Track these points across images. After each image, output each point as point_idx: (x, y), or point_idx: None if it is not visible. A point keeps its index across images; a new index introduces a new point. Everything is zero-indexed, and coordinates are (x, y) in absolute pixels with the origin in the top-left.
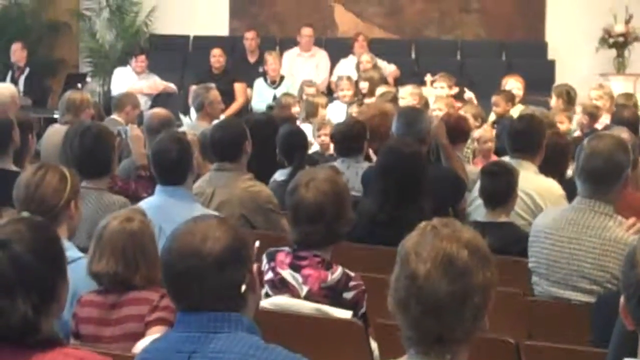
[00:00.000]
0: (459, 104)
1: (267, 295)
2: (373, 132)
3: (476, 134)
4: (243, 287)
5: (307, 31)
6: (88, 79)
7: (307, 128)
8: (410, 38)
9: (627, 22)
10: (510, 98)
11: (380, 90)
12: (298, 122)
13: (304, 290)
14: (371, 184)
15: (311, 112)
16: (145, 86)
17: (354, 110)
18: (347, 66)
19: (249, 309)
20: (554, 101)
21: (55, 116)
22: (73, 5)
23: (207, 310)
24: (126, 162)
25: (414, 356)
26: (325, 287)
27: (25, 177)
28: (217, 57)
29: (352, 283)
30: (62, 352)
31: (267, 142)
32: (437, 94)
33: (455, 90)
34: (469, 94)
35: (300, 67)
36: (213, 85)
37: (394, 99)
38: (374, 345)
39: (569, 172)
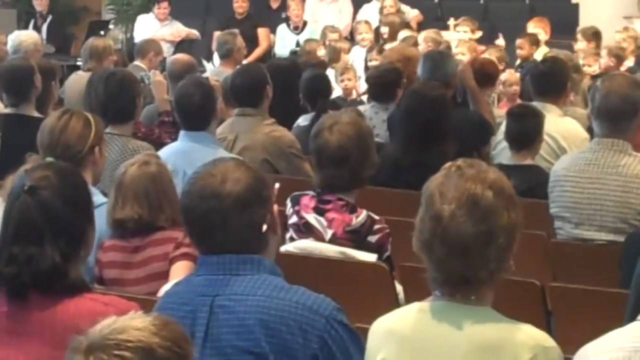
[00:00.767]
0: (482, 48)
1: (292, 239)
2: None
3: (502, 77)
4: (264, 227)
5: None
6: (111, 26)
7: (330, 73)
8: None
9: None
10: (535, 41)
11: (402, 34)
12: None
13: (329, 233)
14: (395, 128)
15: (334, 58)
16: (168, 33)
17: (373, 55)
18: (370, 11)
19: (271, 250)
20: (580, 44)
21: (79, 63)
22: None
23: (230, 252)
24: (149, 108)
25: (439, 297)
26: (349, 230)
27: (50, 123)
28: (239, 2)
29: (376, 226)
30: (89, 297)
31: (290, 87)
32: (459, 38)
33: (479, 34)
34: (500, 41)
35: (323, 13)
36: (237, 31)
37: (417, 44)
38: (399, 287)
39: None
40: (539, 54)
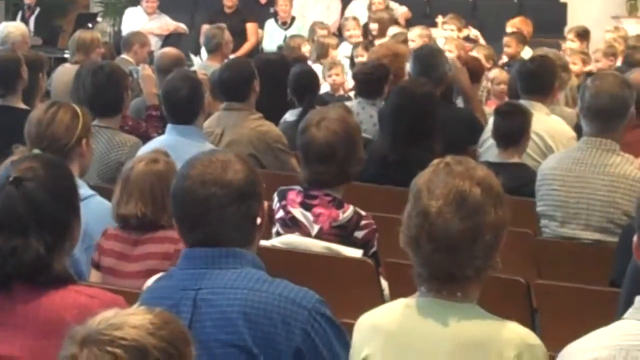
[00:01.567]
0: (469, 45)
1: (278, 234)
2: None
3: (491, 74)
4: (258, 220)
5: None
6: (99, 19)
7: (317, 69)
8: None
9: None
10: (522, 39)
11: (392, 31)
12: (309, 63)
13: (315, 228)
14: (383, 124)
15: (322, 53)
16: (156, 27)
17: (359, 51)
18: (358, 8)
19: (254, 246)
20: (570, 43)
21: (66, 56)
22: None
23: (222, 241)
24: (137, 101)
25: (425, 294)
26: (336, 225)
27: (37, 115)
28: None
29: (363, 222)
30: (74, 290)
31: (278, 82)
32: (446, 36)
33: (466, 32)
34: (474, 32)
35: (312, 9)
36: (224, 25)
37: (406, 41)
38: (384, 284)
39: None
40: (525, 53)
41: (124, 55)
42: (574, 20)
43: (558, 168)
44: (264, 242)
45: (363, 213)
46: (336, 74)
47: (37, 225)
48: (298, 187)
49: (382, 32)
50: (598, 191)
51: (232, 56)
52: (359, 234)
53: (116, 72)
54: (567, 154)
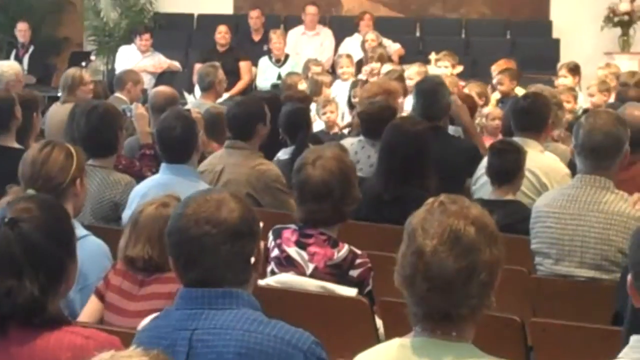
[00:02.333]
0: (462, 83)
1: (273, 273)
2: None
3: (485, 110)
4: (252, 260)
5: (311, 9)
6: (92, 57)
7: (312, 106)
8: (415, 16)
9: (632, 0)
10: (515, 76)
11: (385, 68)
12: None
13: (310, 267)
14: (377, 162)
15: (316, 91)
16: (150, 64)
17: (357, 91)
18: (352, 45)
19: (251, 285)
20: (564, 79)
21: (60, 94)
22: None
23: (217, 280)
24: (131, 140)
25: (420, 333)
26: (331, 264)
27: (32, 154)
28: (222, 34)
29: (358, 261)
30: (69, 331)
31: (271, 121)
32: (440, 73)
33: (460, 69)
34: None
35: (305, 46)
36: (218, 63)
37: (400, 78)
38: (379, 322)
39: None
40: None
41: (117, 94)
42: (566, 56)
43: (552, 205)
44: (258, 281)
45: (358, 252)
46: (330, 112)
47: (32, 266)
48: (293, 226)
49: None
50: (592, 228)
51: (225, 94)
52: (354, 273)
53: (110, 112)
54: (562, 192)
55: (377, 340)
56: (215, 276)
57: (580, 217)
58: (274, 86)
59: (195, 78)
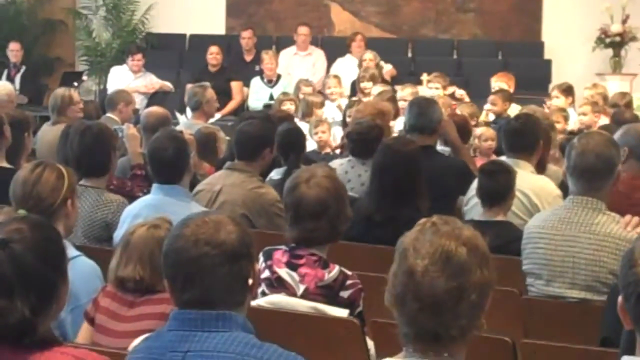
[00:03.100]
0: (454, 103)
1: (264, 294)
2: None
3: (478, 131)
4: (250, 281)
5: (303, 30)
6: (84, 78)
7: (304, 127)
8: (407, 37)
9: (624, 21)
10: (508, 97)
11: (377, 89)
12: (295, 120)
13: (301, 288)
14: (369, 182)
15: (307, 112)
16: (142, 85)
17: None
18: (343, 65)
19: (245, 307)
20: (556, 100)
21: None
22: (69, 4)
23: (213, 301)
24: (122, 160)
25: (411, 354)
26: (322, 285)
27: (23, 175)
28: (214, 55)
29: (348, 282)
30: (59, 351)
31: None
32: (432, 94)
33: (452, 89)
34: (459, 92)
35: (297, 66)
36: (208, 84)
37: (392, 98)
38: (370, 343)
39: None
40: (512, 111)
41: (109, 114)
42: (558, 77)
43: (544, 227)
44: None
45: (349, 273)
46: (322, 132)
47: (23, 287)
48: (284, 247)
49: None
50: (584, 250)
51: (217, 115)
52: (345, 294)
53: (104, 133)
54: (553, 213)
55: None
56: (212, 297)
57: (572, 238)
58: (266, 106)
59: (185, 98)
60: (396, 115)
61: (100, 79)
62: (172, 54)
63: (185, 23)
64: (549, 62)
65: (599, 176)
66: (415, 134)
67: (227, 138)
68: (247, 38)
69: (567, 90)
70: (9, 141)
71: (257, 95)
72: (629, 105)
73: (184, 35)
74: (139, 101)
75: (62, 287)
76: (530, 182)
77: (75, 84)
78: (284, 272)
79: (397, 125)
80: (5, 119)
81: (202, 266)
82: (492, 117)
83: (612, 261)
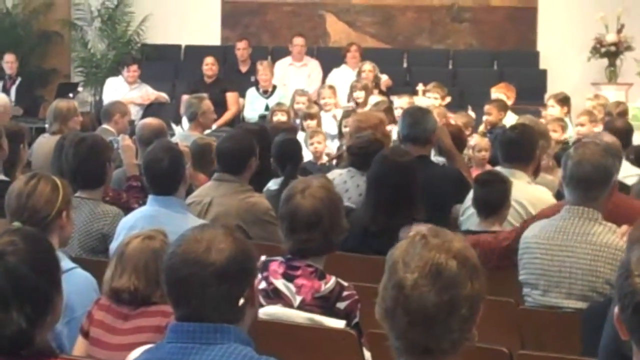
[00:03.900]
0: (451, 115)
1: (260, 305)
2: None
3: (472, 141)
4: (241, 301)
5: (298, 41)
6: (80, 89)
7: (300, 137)
8: (402, 47)
9: (619, 31)
10: (503, 107)
11: (373, 99)
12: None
13: (297, 300)
14: (365, 194)
15: (303, 122)
16: (137, 96)
17: (349, 122)
18: (339, 76)
19: (245, 323)
20: (552, 110)
21: (47, 126)
22: (65, 15)
23: (203, 319)
24: (118, 172)
25: None
26: (318, 297)
27: (18, 187)
28: (210, 65)
29: (345, 293)
30: None
31: (259, 152)
32: (429, 104)
33: (448, 100)
34: (471, 113)
35: (292, 77)
36: (205, 95)
37: (389, 109)
38: (367, 354)
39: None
40: (508, 120)
41: (104, 125)
42: (553, 87)
43: (540, 237)
44: None
45: (345, 284)
46: (318, 142)
47: (19, 299)
48: (280, 258)
49: (365, 101)
50: (580, 260)
51: (213, 126)
52: (341, 305)
53: (99, 144)
54: (550, 223)
55: None
56: (202, 315)
57: (568, 248)
58: (262, 117)
59: (182, 109)
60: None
61: (95, 90)
62: (167, 65)
63: (181, 34)
64: (544, 71)
65: (596, 186)
66: (409, 144)
67: None
68: (242, 49)
69: (563, 100)
70: (6, 153)
71: (253, 106)
72: (622, 114)
73: (179, 46)
74: (135, 112)
75: (57, 297)
76: (527, 192)
77: (71, 95)
78: (280, 284)
79: (393, 135)
80: (2, 131)
81: (190, 286)
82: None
83: (609, 271)
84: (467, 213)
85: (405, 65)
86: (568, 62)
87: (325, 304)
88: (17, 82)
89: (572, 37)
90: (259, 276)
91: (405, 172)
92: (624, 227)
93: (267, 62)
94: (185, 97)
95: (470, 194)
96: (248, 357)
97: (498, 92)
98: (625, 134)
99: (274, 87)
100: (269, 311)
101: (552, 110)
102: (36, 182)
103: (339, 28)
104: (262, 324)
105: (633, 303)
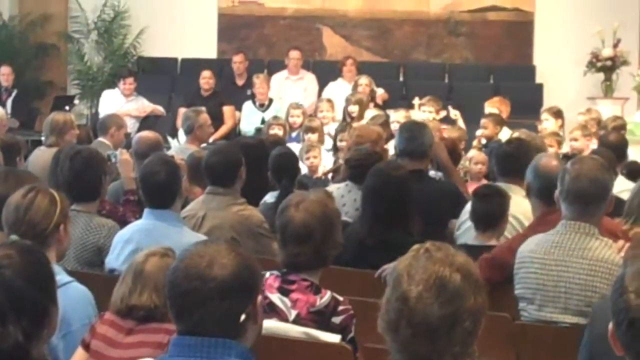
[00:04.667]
0: (444, 128)
1: None
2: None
3: (469, 154)
4: (242, 317)
5: (295, 54)
6: (76, 101)
7: (295, 150)
8: (399, 61)
9: (615, 46)
10: (499, 121)
11: (370, 113)
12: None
13: (293, 314)
14: (360, 207)
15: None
16: (133, 109)
17: (345, 136)
18: (335, 89)
19: (247, 339)
20: (547, 123)
21: (43, 138)
22: (61, 28)
23: (204, 334)
24: (115, 185)
25: None
26: (313, 311)
27: (15, 200)
28: (207, 79)
29: (340, 307)
30: None
31: (257, 165)
32: (424, 118)
33: (443, 114)
34: (454, 112)
35: (289, 90)
36: (203, 108)
37: (385, 123)
38: None
39: None
40: (502, 135)
41: (101, 138)
42: (549, 101)
43: (537, 251)
44: None
45: (340, 298)
46: (314, 157)
47: (15, 312)
48: (276, 272)
49: (360, 115)
50: (577, 275)
51: (210, 139)
52: (337, 320)
53: (94, 157)
54: (546, 237)
55: None
56: (203, 330)
57: (564, 263)
58: (258, 130)
59: (179, 122)
60: (389, 139)
61: (92, 102)
62: (163, 78)
63: (177, 47)
64: (540, 86)
65: (593, 201)
66: (406, 159)
67: None
68: (238, 62)
69: (557, 114)
70: (2, 166)
71: (249, 119)
72: (618, 128)
73: (175, 59)
74: (131, 125)
75: (53, 310)
76: (523, 207)
77: (67, 107)
78: (275, 298)
79: (390, 149)
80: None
81: (192, 301)
82: (483, 141)
83: (605, 286)
84: (463, 227)
85: (401, 79)
86: (564, 77)
87: (320, 318)
88: (14, 94)
89: (568, 51)
90: None
91: (400, 185)
92: (620, 242)
93: (263, 75)
94: (183, 110)
95: (467, 208)
96: None
97: (492, 106)
98: (619, 148)
99: (271, 101)
100: (264, 325)
101: (547, 123)
102: (34, 195)
103: (336, 41)
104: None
105: (627, 319)
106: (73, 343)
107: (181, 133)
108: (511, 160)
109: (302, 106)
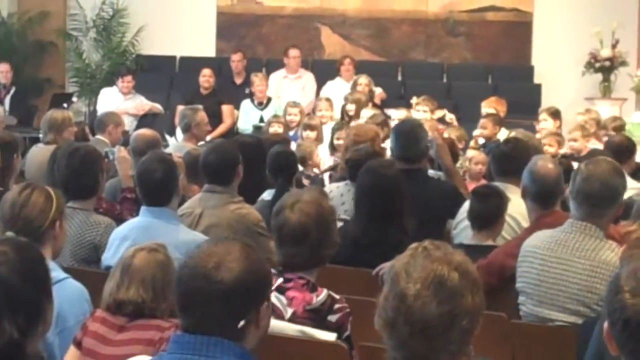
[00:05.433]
0: (442, 127)
1: None
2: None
3: (469, 154)
4: (241, 323)
5: (293, 53)
6: (74, 99)
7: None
8: (397, 60)
9: (613, 46)
10: (498, 121)
11: (367, 112)
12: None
13: (289, 312)
14: (355, 205)
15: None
16: (132, 106)
17: (342, 135)
18: (333, 88)
19: (248, 342)
20: (545, 123)
21: (41, 135)
22: (60, 25)
23: (205, 333)
24: (112, 182)
25: None
26: (309, 309)
27: (11, 197)
28: (207, 77)
29: (336, 306)
30: None
31: (254, 164)
32: (420, 117)
33: (441, 113)
34: (449, 116)
35: (287, 89)
36: (200, 106)
37: (384, 122)
38: None
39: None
40: (500, 135)
41: (98, 136)
42: (548, 101)
43: (540, 247)
44: None
45: (337, 297)
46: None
47: (10, 309)
48: (273, 271)
49: (357, 113)
50: (577, 275)
51: (208, 137)
52: (333, 318)
53: (91, 155)
54: (551, 234)
55: None
56: (204, 328)
57: (566, 261)
58: (256, 128)
59: (177, 120)
60: (387, 138)
61: (90, 100)
62: (162, 76)
63: (176, 45)
64: (538, 86)
65: (602, 203)
66: (402, 162)
67: None
68: (237, 61)
69: (555, 114)
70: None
71: (247, 117)
72: (618, 129)
73: (174, 58)
74: (129, 123)
75: (48, 307)
76: (520, 207)
77: (65, 105)
78: (272, 296)
79: (388, 148)
80: None
81: (195, 299)
82: (481, 141)
83: (605, 288)
84: (460, 226)
85: (399, 78)
86: (562, 77)
87: (316, 316)
88: (12, 91)
89: (566, 51)
90: None
91: (393, 183)
92: (625, 247)
93: (262, 73)
94: (181, 108)
95: (464, 207)
96: None
97: (488, 106)
98: (626, 149)
99: (269, 99)
100: None
101: (545, 123)
102: (30, 192)
103: (334, 40)
104: None
105: (622, 318)
106: (69, 339)
107: (179, 131)
108: (508, 160)
109: (299, 105)
